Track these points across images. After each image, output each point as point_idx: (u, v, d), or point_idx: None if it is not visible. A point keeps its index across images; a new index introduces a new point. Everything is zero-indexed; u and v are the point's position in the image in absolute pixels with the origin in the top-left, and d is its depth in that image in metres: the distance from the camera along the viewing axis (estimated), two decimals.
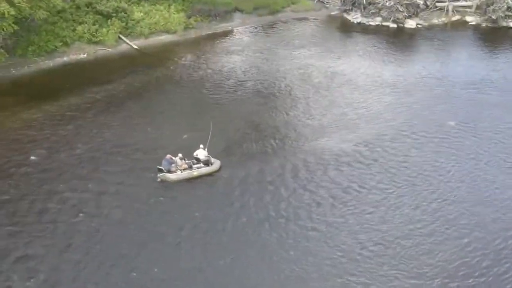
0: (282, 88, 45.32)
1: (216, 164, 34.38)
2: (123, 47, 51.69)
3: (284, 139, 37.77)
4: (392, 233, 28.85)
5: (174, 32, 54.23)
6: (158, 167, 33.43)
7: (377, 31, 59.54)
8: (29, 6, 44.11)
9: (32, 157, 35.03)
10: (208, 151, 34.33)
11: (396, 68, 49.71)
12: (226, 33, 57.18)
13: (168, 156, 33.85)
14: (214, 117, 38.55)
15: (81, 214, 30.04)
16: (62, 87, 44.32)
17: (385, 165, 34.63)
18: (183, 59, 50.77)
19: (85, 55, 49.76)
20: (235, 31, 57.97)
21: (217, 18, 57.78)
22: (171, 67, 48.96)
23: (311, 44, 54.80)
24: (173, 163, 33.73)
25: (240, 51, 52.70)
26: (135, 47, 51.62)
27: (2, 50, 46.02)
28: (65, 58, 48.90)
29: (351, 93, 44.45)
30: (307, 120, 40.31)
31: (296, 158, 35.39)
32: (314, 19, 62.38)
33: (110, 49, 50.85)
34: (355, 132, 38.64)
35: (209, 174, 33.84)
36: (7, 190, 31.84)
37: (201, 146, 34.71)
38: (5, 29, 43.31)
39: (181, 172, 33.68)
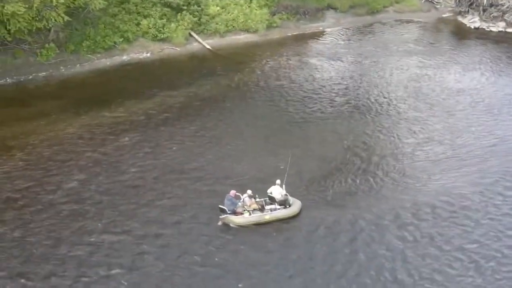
0: (385, 106, 36.57)
1: (295, 205, 26.50)
2: (193, 47, 45.03)
3: (388, 174, 29.15)
4: None
5: (255, 31, 47.32)
6: (220, 206, 25.79)
7: (501, 39, 49.33)
8: None
9: (69, 184, 28.12)
10: (285, 187, 26.50)
11: None
12: (316, 35, 49.33)
13: (233, 192, 26.17)
14: (297, 140, 31.97)
15: (113, 268, 22.87)
16: (118, 91, 37.83)
17: None
18: (264, 64, 43.30)
19: (149, 54, 43.17)
20: (327, 32, 49.97)
21: (307, 16, 50.51)
22: (249, 73, 41.49)
23: (419, 52, 45.68)
24: (239, 202, 26.05)
25: (332, 57, 44.72)
26: (208, 47, 44.95)
27: (53, 45, 39.73)
28: (124, 57, 42.39)
29: (477, 117, 35.10)
30: (418, 149, 31.42)
31: (403, 204, 26.97)
32: (421, 21, 53.36)
33: (178, 48, 44.18)
34: (484, 170, 29.37)
35: (286, 219, 26.08)
36: (23, 229, 24.69)
37: (278, 181, 26.79)
38: (54, 20, 36.42)
39: (250, 214, 25.99)
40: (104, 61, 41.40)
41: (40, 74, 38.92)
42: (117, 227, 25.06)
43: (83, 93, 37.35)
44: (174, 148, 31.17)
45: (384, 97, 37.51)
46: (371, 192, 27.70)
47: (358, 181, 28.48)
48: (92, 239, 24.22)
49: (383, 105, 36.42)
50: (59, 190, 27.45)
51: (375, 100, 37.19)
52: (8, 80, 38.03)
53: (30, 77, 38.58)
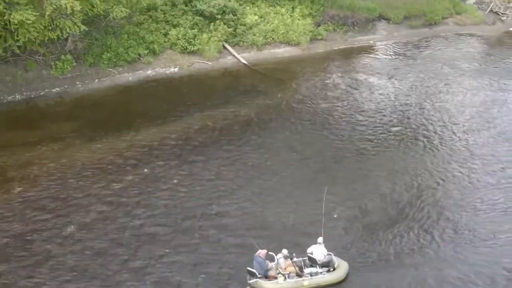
0: (452, 138, 31.15)
1: (341, 268, 21.64)
2: (227, 61, 40.07)
3: (457, 230, 23.91)
4: None
5: (297, 44, 42.35)
6: (248, 268, 20.90)
7: None
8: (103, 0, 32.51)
9: (69, 231, 23.60)
10: (327, 243, 21.80)
11: None
12: (366, 49, 44.09)
13: (263, 252, 21.32)
14: (345, 180, 27.05)
15: None
16: (140, 112, 33.08)
17: None
18: (307, 82, 38.11)
19: (176, 69, 38.37)
20: (378, 46, 44.66)
21: (355, 27, 45.45)
22: (290, 93, 36.39)
23: (488, 72, 40.02)
24: (272, 263, 21.18)
25: (386, 76, 39.41)
26: (243, 61, 40.18)
27: (69, 56, 35.40)
28: (149, 72, 37.58)
29: None
30: (492, 198, 25.87)
31: (477, 269, 21.73)
32: (485, 35, 47.66)
33: (209, 63, 39.36)
34: None
35: (330, 285, 21.07)
36: None
37: (320, 239, 21.83)
38: (69, 29, 31.99)
39: (285, 279, 21.07)
40: (126, 76, 36.74)
41: (53, 90, 34.56)
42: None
43: (100, 113, 32.86)
44: (198, 186, 26.33)
45: (451, 127, 32.05)
46: (437, 251, 22.52)
47: (421, 235, 23.37)
48: None
49: (449, 138, 31.01)
50: (56, 238, 22.90)
51: (440, 130, 31.75)
52: (17, 97, 33.73)
53: (42, 93, 34.22)
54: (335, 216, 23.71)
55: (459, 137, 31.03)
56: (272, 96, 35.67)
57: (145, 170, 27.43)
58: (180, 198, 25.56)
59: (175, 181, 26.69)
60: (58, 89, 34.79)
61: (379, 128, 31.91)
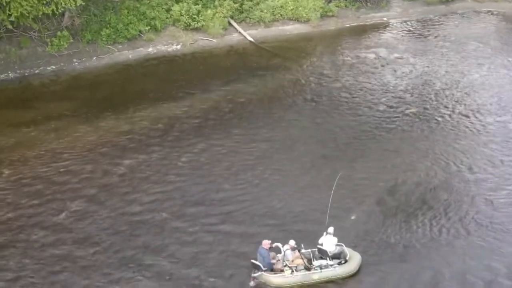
0: (473, 121, 29.17)
1: (353, 260, 19.96)
2: (232, 38, 39.02)
3: (484, 220, 21.93)
4: None
5: (306, 21, 41.03)
6: (252, 261, 19.32)
7: None
8: None
9: (60, 217, 21.94)
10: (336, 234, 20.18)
11: None
12: (380, 27, 42.49)
13: (267, 243, 19.58)
14: (358, 164, 25.40)
15: None
16: (139, 92, 31.96)
17: None
18: (317, 61, 36.91)
19: (179, 46, 37.25)
20: (392, 24, 43.01)
21: (368, 4, 44.05)
22: (300, 73, 34.92)
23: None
24: (276, 255, 19.74)
25: (401, 55, 37.63)
26: (250, 38, 39.08)
27: (66, 33, 34.17)
28: (150, 49, 36.55)
29: None
30: None
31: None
32: (505, 13, 45.12)
33: (214, 40, 38.25)
34: None
35: (340, 279, 19.48)
36: None
37: (330, 229, 20.15)
38: (65, 4, 30.41)
39: (292, 272, 19.40)
40: (126, 54, 35.67)
41: (48, 68, 33.51)
42: (115, 283, 18.75)
43: (97, 93, 31.71)
44: (198, 171, 24.77)
45: (473, 109, 30.21)
46: (457, 241, 20.81)
47: (439, 225, 21.53)
48: None
49: (470, 120, 29.17)
50: (45, 224, 21.37)
51: (459, 112, 29.97)
52: (10, 75, 32.68)
53: (37, 71, 33.23)
54: (353, 218, 21.96)
55: (479, 119, 29.16)
56: (280, 75, 34.44)
57: (143, 155, 25.91)
58: (182, 182, 24.13)
59: (175, 163, 25.28)
60: (54, 67, 33.79)
61: (395, 108, 30.36)
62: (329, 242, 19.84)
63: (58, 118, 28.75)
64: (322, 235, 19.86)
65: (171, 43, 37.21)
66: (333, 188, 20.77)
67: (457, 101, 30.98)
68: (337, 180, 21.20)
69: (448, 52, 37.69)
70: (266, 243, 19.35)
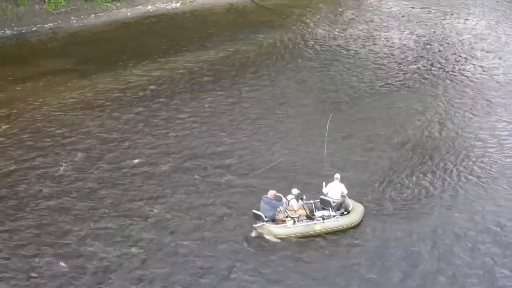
0: (477, 77, 29.02)
1: (356, 211, 19.63)
2: None
3: (488, 174, 21.63)
4: None
5: None
6: (254, 211, 19.02)
7: None
8: None
9: (57, 169, 21.73)
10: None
11: None
12: None
13: (272, 193, 19.13)
14: (357, 120, 25.50)
15: None
16: (137, 49, 31.95)
17: None
18: (318, 19, 36.65)
19: (178, 4, 37.28)
20: None
21: None
22: (300, 31, 34.69)
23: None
24: (279, 205, 19.12)
25: (403, 10, 37.48)
26: None
27: None
28: (149, 7, 36.51)
29: None
30: None
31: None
32: None
33: None
34: None
35: (343, 230, 19.10)
36: None
37: (337, 176, 19.80)
38: None
39: (295, 222, 19.03)
40: (125, 12, 35.65)
41: (46, 26, 33.38)
42: (116, 235, 18.49)
43: (95, 50, 31.65)
44: (198, 125, 24.60)
45: (476, 63, 30.13)
46: (466, 196, 20.51)
47: (440, 177, 21.33)
48: (82, 250, 17.82)
49: (474, 76, 28.98)
50: (42, 177, 21.12)
51: (461, 68, 29.75)
52: (7, 32, 32.54)
53: (34, 28, 33.07)
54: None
55: (486, 74, 29.09)
56: (279, 33, 34.26)
57: (140, 109, 25.74)
58: (181, 136, 23.90)
59: (173, 118, 25.08)
60: (51, 24, 33.63)
61: (392, 66, 30.34)
62: (335, 189, 19.41)
63: (56, 74, 28.74)
64: (323, 186, 19.62)
65: (170, 1, 37.26)
66: (325, 140, 20.85)
67: (458, 60, 30.76)
68: (328, 124, 21.26)
69: (451, 10, 37.36)
70: (271, 193, 19.04)
